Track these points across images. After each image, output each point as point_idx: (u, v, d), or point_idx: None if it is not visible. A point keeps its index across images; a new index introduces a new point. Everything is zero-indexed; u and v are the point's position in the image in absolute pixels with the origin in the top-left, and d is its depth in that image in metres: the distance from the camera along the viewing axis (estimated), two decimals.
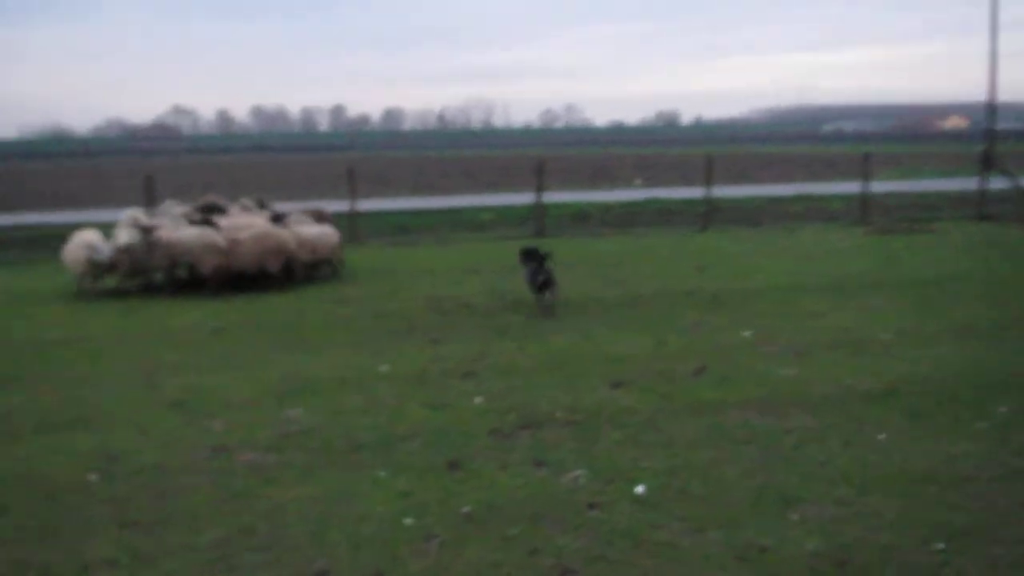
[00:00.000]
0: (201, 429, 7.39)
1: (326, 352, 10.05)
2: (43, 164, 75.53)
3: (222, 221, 14.34)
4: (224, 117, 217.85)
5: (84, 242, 13.73)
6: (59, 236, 15.56)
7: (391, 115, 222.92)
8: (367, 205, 23.58)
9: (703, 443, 6.84)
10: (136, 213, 14.62)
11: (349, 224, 20.88)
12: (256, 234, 13.84)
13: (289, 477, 6.27)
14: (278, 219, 14.93)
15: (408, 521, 5.50)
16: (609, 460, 6.50)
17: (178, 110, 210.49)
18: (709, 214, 22.47)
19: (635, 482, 6.06)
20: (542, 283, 11.90)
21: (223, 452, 6.82)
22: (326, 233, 15.01)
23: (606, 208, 26.04)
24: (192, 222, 14.31)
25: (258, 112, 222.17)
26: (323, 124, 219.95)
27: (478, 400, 8.02)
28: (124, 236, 13.75)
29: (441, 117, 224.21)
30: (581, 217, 24.53)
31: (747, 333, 10.46)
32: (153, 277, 14.35)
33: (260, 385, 8.67)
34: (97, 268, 13.53)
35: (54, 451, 6.90)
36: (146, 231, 13.46)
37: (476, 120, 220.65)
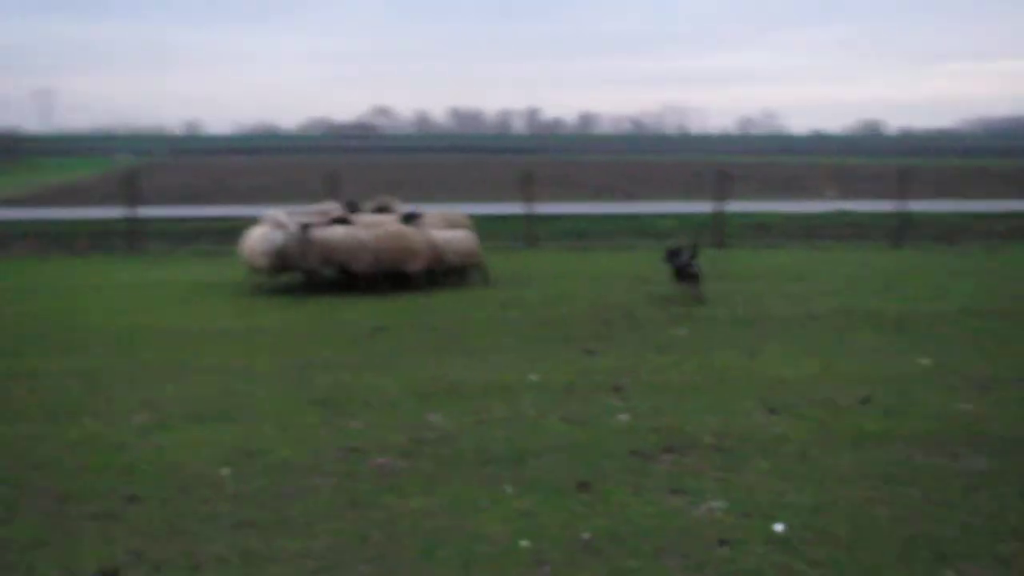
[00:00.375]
0: (338, 429, 7.41)
1: (480, 357, 9.97)
2: (248, 159, 79.56)
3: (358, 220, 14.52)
4: (423, 117, 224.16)
5: (256, 236, 14.12)
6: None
7: (586, 119, 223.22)
8: (547, 209, 23.53)
9: (857, 480, 6.31)
10: (277, 213, 14.52)
11: (526, 228, 20.90)
12: (384, 233, 13.94)
13: (413, 486, 6.16)
14: (410, 219, 14.79)
15: (524, 543, 5.28)
16: (751, 492, 6.08)
17: (379, 110, 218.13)
18: (902, 229, 21.25)
19: (775, 519, 5.62)
20: (685, 273, 11.82)
21: (355, 454, 6.79)
22: (458, 237, 14.94)
23: (790, 219, 25.04)
24: (334, 221, 14.19)
25: (455, 113, 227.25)
26: (518, 126, 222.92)
27: (623, 417, 7.72)
28: (278, 236, 13.80)
29: (636, 122, 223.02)
30: (763, 228, 23.67)
31: (925, 361, 9.69)
32: (319, 274, 14.58)
33: (407, 387, 8.66)
34: (274, 260, 13.82)
35: (197, 443, 7.04)
36: (303, 228, 13.75)
37: (671, 125, 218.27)
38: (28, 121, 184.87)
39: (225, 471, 6.44)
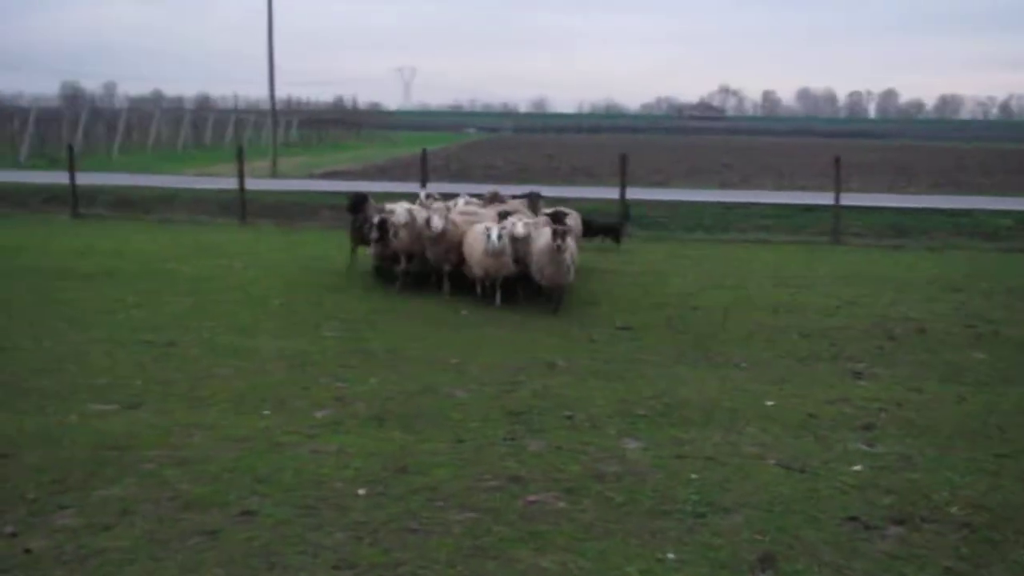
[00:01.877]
0: (515, 449, 6.49)
1: (722, 370, 8.68)
2: (589, 138, 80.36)
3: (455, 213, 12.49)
4: (769, 99, 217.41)
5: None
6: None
7: (947, 102, 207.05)
8: (857, 200, 21.29)
9: None
10: (409, 205, 12.41)
11: (833, 219, 18.89)
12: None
13: (558, 536, 5.12)
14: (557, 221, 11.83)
15: None
16: None
17: (725, 90, 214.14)
18: None
19: None
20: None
21: (514, 484, 5.85)
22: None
23: None
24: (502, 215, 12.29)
25: (804, 95, 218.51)
26: (872, 110, 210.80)
27: (857, 468, 6.21)
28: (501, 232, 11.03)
29: (1005, 106, 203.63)
30: None
31: None
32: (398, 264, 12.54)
33: (621, 402, 7.57)
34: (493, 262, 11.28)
35: (356, 451, 6.38)
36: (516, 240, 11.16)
37: None
38: (391, 97, 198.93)
39: (362, 491, 5.73)
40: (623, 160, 19.78)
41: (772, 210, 21.88)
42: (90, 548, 4.97)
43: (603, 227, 16.29)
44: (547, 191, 24.71)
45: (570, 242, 11.09)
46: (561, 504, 5.58)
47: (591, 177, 32.89)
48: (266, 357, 8.88)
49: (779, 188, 29.38)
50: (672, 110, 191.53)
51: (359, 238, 13.07)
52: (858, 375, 8.58)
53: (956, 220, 20.75)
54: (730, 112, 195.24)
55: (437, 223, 11.52)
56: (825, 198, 20.68)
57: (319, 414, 7.21)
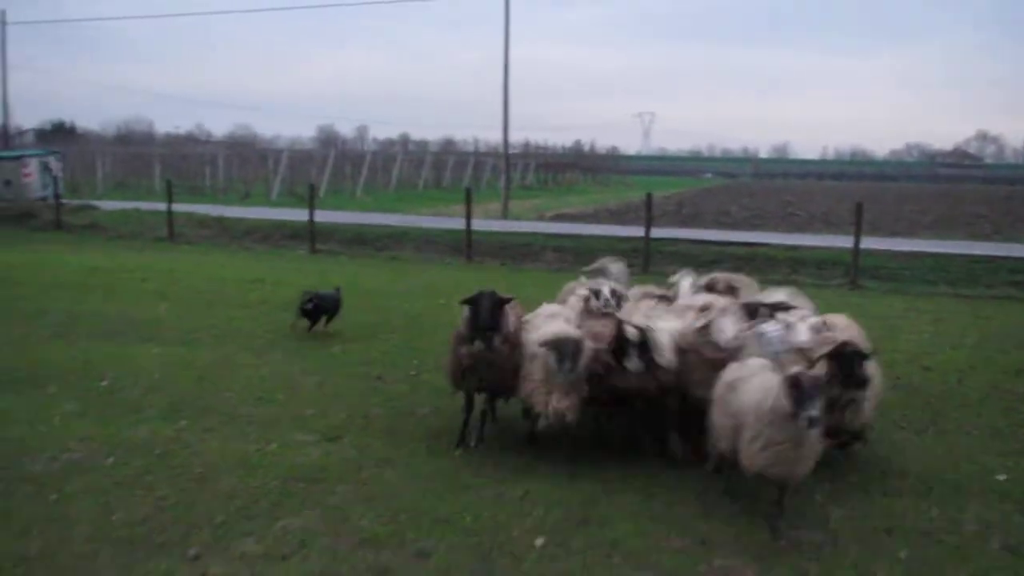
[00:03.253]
0: (708, 508, 6.11)
1: (949, 438, 7.92)
2: (832, 185, 77.59)
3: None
4: None
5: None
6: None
7: None
8: None
9: None
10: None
11: None
12: None
13: None
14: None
15: None
16: None
17: (982, 136, 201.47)
18: None
19: None
20: None
21: (702, 546, 5.49)
22: None
23: None
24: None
25: None
26: None
27: None
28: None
29: None
30: None
31: None
32: None
33: (829, 465, 7.03)
34: None
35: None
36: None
37: None
38: (629, 142, 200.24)
39: (539, 541, 5.52)
40: (859, 208, 18.78)
41: None
42: None
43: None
44: (778, 239, 24.01)
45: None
46: (750, 573, 5.18)
47: (829, 225, 31.57)
48: None
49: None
50: (924, 157, 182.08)
51: None
52: None
53: None
54: (988, 160, 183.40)
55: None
56: None
57: (510, 458, 7.09)
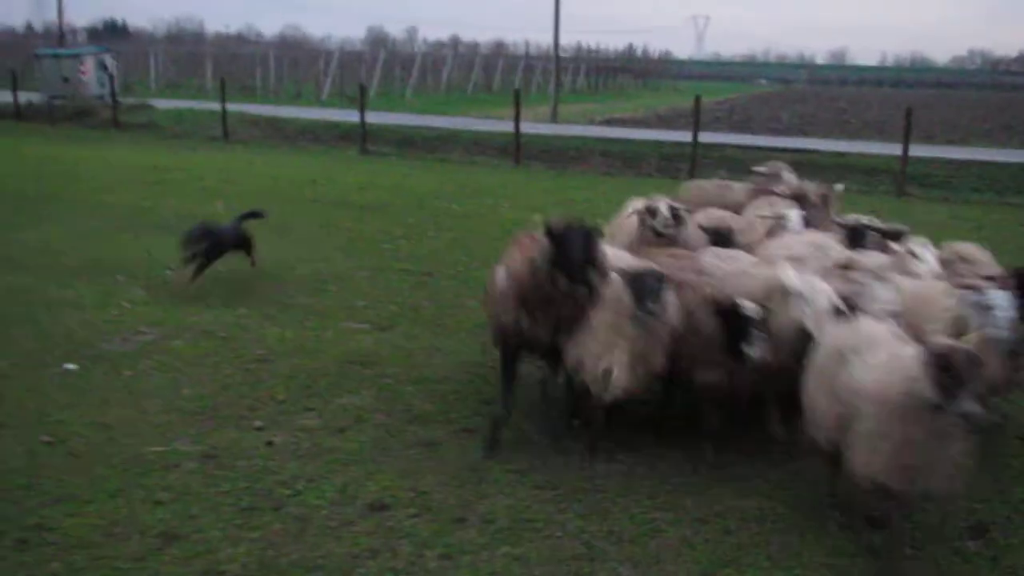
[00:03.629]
0: None
1: None
2: (889, 92, 75.76)
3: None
4: None
5: None
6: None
7: None
8: None
9: None
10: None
11: None
12: None
13: None
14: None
15: None
16: None
17: None
18: None
19: None
20: None
21: None
22: None
23: None
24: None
25: None
26: None
27: None
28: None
29: None
30: None
31: None
32: None
33: None
34: None
35: None
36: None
37: None
38: (683, 46, 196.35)
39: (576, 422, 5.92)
40: (908, 114, 18.65)
41: None
42: (323, 447, 5.52)
43: None
44: (824, 144, 23.83)
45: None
46: None
47: (882, 133, 31.16)
48: None
49: None
50: (987, 64, 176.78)
51: None
52: None
53: None
54: None
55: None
56: None
57: None
